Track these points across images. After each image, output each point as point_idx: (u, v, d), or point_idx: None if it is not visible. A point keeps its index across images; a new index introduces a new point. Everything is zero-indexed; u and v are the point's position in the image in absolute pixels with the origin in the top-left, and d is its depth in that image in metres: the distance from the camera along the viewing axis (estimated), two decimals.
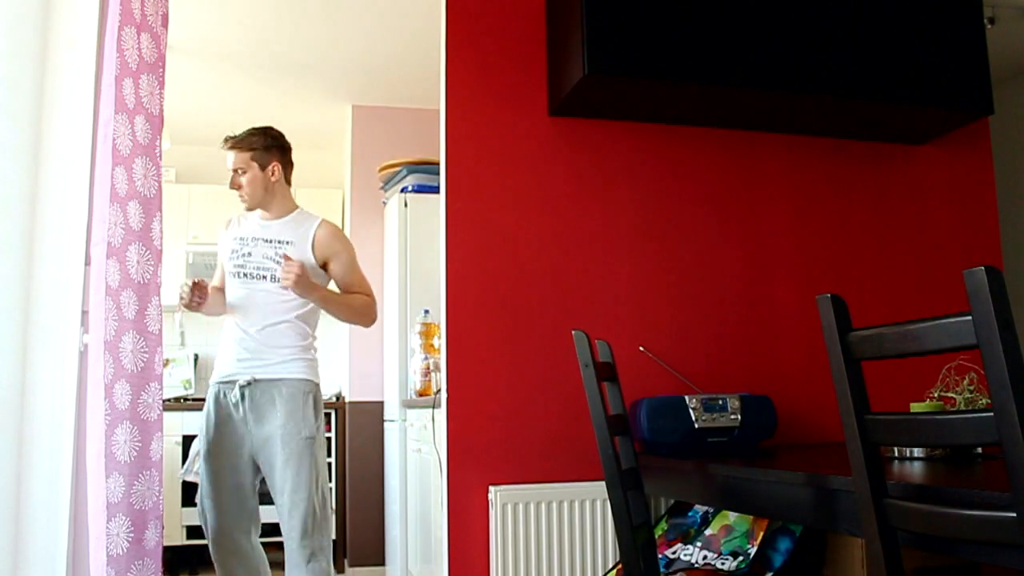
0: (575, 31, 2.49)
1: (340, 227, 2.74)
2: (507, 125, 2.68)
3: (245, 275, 2.68)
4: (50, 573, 1.84)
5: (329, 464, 4.72)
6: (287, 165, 2.80)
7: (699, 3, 2.54)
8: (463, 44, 2.69)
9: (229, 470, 2.61)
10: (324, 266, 2.71)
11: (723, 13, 2.55)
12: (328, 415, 4.77)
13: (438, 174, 2.89)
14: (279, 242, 2.68)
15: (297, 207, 2.79)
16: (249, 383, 2.59)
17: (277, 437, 2.55)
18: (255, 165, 2.70)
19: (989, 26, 3.13)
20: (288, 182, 2.80)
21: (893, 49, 2.68)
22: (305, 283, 2.57)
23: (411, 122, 4.65)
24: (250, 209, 2.75)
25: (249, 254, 2.69)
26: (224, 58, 4.06)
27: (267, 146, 2.73)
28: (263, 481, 2.66)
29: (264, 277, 2.66)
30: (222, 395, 2.64)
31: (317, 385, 2.67)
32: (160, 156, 2.09)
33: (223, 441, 2.61)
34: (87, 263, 1.95)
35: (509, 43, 2.72)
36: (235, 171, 2.70)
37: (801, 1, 2.63)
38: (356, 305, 2.73)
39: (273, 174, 2.72)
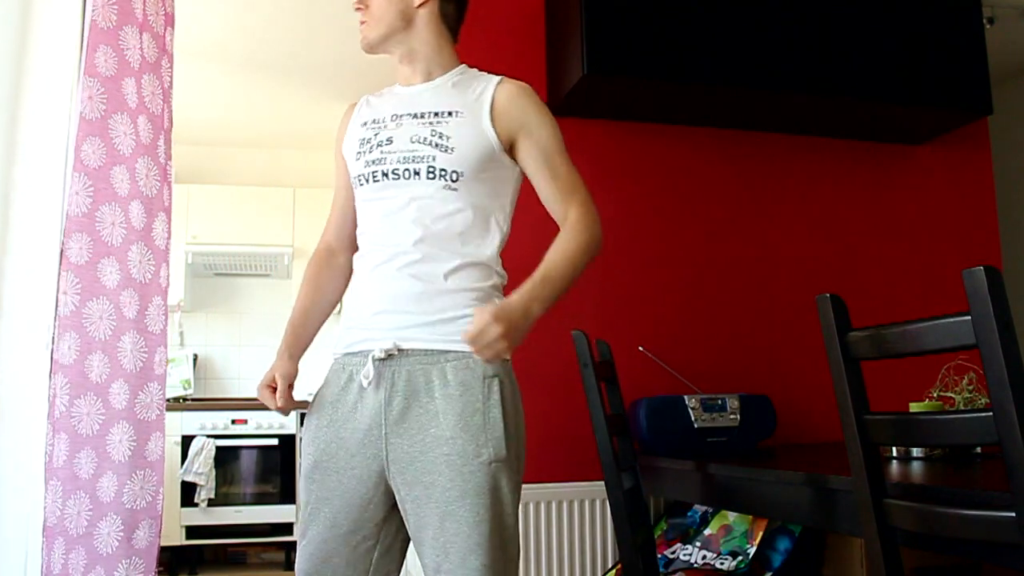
0: (574, 31, 2.49)
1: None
2: None
3: (384, 175, 1.61)
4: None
5: None
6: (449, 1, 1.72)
7: (699, 3, 2.54)
8: (462, 44, 2.67)
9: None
10: (511, 149, 1.64)
11: (723, 13, 2.55)
12: None
13: None
14: (436, 115, 1.63)
15: (461, 63, 1.73)
16: (390, 355, 1.54)
17: (441, 458, 1.48)
18: None
19: (989, 26, 3.13)
20: (452, 30, 1.75)
21: (893, 49, 2.68)
22: (515, 334, 1.45)
23: None
24: (368, 46, 1.70)
25: (389, 140, 1.63)
26: (223, 58, 4.06)
27: None
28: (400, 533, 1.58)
29: (417, 173, 1.59)
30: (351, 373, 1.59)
31: (509, 361, 1.60)
32: (166, 156, 2.08)
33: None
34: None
35: (508, 43, 2.72)
36: None
37: (801, 1, 2.63)
38: (583, 247, 1.59)
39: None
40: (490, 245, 1.62)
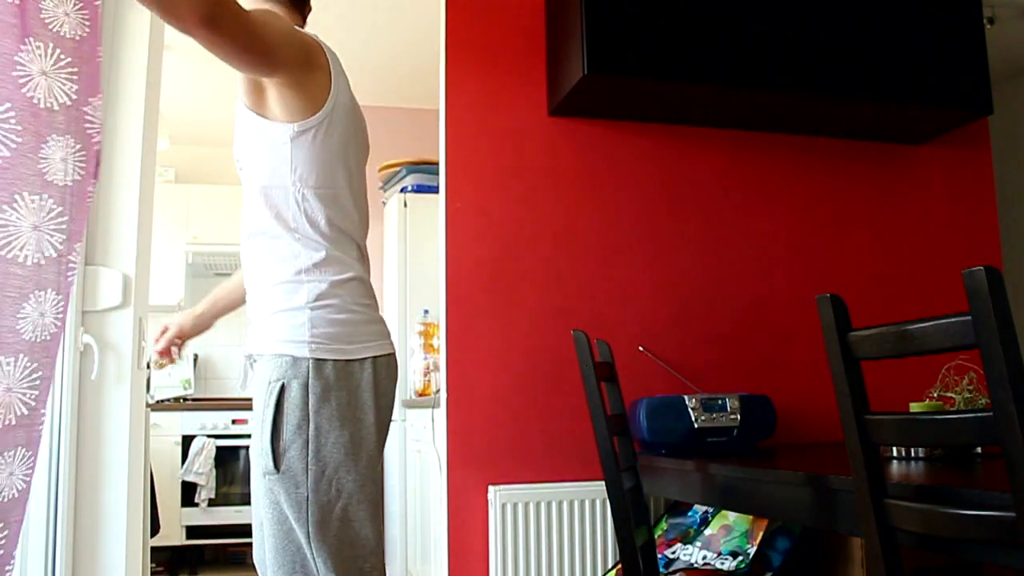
0: (574, 31, 2.49)
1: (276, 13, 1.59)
2: (507, 125, 2.68)
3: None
4: None
5: None
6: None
7: (699, 3, 2.54)
8: (463, 44, 2.69)
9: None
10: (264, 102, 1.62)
11: (723, 13, 2.55)
12: None
13: (438, 174, 2.89)
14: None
15: None
16: (253, 361, 1.56)
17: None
18: None
19: (989, 26, 3.13)
20: (295, 7, 1.74)
21: (893, 49, 2.68)
22: None
23: (411, 122, 4.65)
24: None
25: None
26: None
27: None
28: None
29: (241, 168, 1.69)
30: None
31: (316, 362, 1.45)
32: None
33: None
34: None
35: (509, 43, 2.72)
36: None
37: (801, 2, 2.63)
38: None
39: None
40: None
